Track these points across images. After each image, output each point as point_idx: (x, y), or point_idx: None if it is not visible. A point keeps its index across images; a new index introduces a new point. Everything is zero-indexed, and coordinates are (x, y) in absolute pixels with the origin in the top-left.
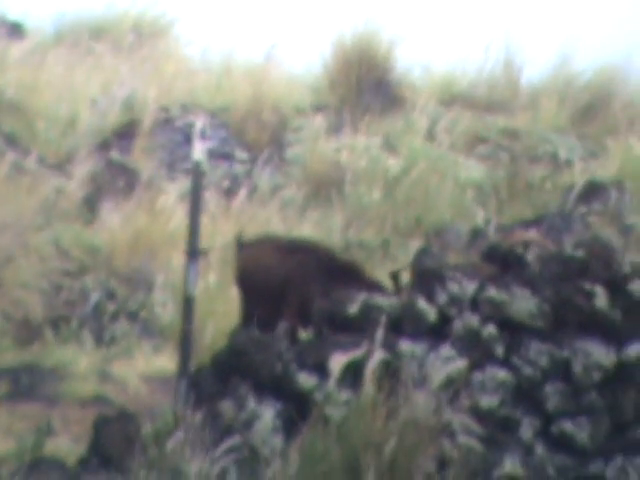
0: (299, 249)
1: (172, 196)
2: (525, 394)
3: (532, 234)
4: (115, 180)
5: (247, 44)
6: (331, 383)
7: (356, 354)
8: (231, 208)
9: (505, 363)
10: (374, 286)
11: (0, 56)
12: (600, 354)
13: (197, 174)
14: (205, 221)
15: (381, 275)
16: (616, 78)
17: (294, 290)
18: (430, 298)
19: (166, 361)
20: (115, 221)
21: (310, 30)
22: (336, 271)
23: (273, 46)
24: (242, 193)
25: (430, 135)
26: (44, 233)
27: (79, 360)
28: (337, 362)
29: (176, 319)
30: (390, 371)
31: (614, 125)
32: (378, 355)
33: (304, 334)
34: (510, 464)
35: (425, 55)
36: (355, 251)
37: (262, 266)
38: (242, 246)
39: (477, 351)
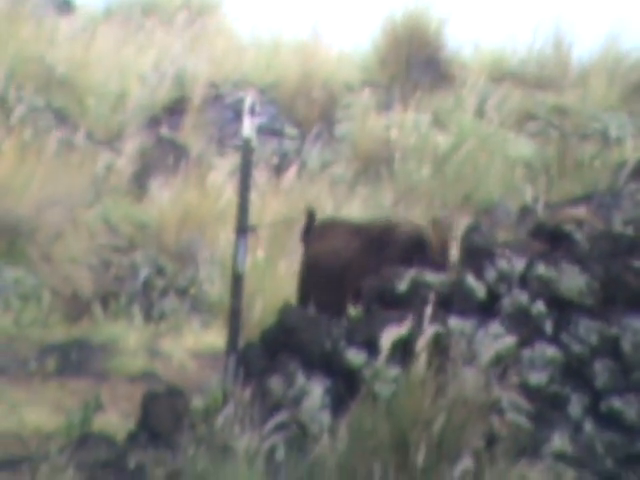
0: (368, 231)
1: (221, 173)
2: (574, 371)
3: (581, 212)
4: (164, 156)
5: (296, 20)
6: (380, 359)
7: (405, 330)
8: (280, 185)
9: (554, 340)
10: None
11: (50, 32)
12: None
13: (246, 151)
14: (254, 198)
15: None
16: None
17: (358, 272)
18: (479, 275)
19: (215, 337)
20: (164, 197)
21: (360, 6)
22: (404, 253)
23: (322, 22)
24: (291, 170)
25: (480, 112)
26: (94, 209)
27: (128, 336)
28: (387, 338)
29: (225, 295)
30: (439, 348)
31: None
32: (429, 331)
33: (353, 311)
34: (559, 441)
35: (475, 33)
36: None
37: (330, 248)
38: (311, 227)
39: (526, 328)
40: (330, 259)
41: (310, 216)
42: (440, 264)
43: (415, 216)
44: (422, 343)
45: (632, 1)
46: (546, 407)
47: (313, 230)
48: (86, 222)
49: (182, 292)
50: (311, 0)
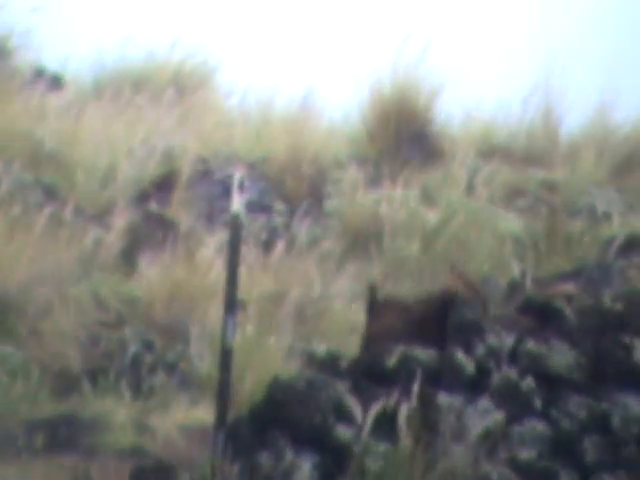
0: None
1: (210, 248)
2: (563, 447)
3: (570, 287)
4: (154, 232)
5: (285, 93)
6: (366, 435)
7: (389, 405)
8: (269, 260)
9: (543, 416)
10: None
11: (39, 107)
12: (639, 407)
13: (235, 226)
14: (243, 273)
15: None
16: None
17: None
18: (468, 350)
19: (204, 413)
20: (153, 273)
21: (349, 77)
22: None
23: (311, 94)
24: (280, 245)
25: (469, 188)
26: (83, 284)
27: (117, 412)
28: (370, 413)
29: (214, 371)
30: (428, 423)
31: None
32: (409, 405)
33: (340, 386)
34: None
35: (464, 106)
36: None
37: (388, 326)
38: (374, 304)
39: (515, 404)
40: (388, 337)
41: (372, 293)
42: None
43: (404, 292)
44: (404, 416)
45: (621, 75)
46: None
47: (375, 307)
48: (75, 297)
49: (171, 367)
50: (300, 71)
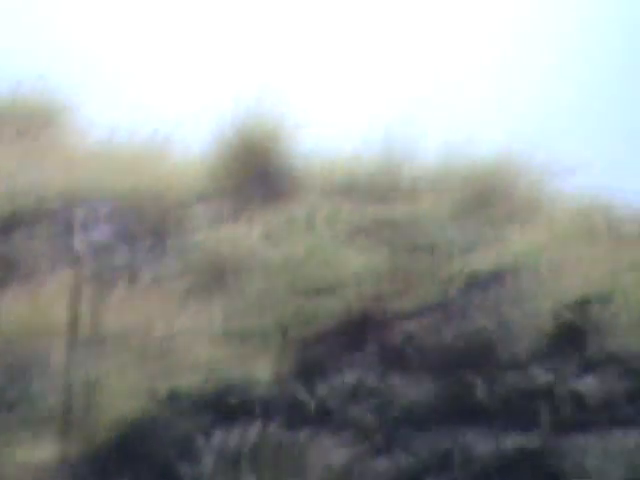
0: None
1: (53, 287)
2: None
3: (412, 325)
4: None
5: (128, 132)
6: (208, 472)
7: (233, 442)
8: (112, 299)
9: (386, 454)
10: None
11: None
12: (480, 445)
13: (77, 265)
14: (86, 312)
15: (261, 365)
16: (497, 171)
17: None
18: (311, 387)
19: (47, 451)
20: None
21: (195, 115)
22: None
23: (154, 134)
24: (123, 284)
25: (311, 226)
26: None
27: None
28: (213, 451)
29: (58, 408)
30: (271, 460)
31: (494, 217)
32: (252, 441)
33: (184, 424)
34: None
35: (306, 145)
36: (237, 341)
37: None
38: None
39: (358, 441)
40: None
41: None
42: None
43: (247, 329)
44: (250, 455)
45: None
46: None
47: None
48: None
49: (12, 405)
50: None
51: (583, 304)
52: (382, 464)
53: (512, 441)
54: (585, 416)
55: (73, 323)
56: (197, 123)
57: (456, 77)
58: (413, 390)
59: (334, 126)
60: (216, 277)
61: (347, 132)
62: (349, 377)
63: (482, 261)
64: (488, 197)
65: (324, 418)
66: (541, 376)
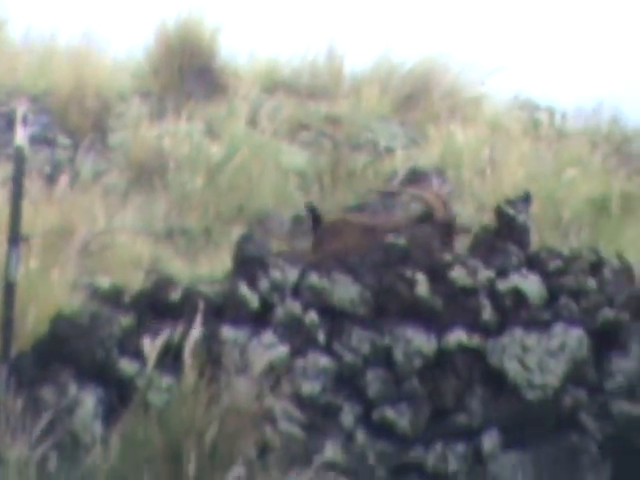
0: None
1: None
2: (347, 381)
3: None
4: None
5: (70, 25)
6: (150, 369)
7: (174, 339)
8: (53, 194)
9: (327, 350)
10: None
11: None
12: (421, 341)
13: (19, 160)
14: (27, 207)
15: (203, 262)
16: (436, 68)
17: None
18: (252, 285)
19: None
20: None
21: (134, 13)
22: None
23: (95, 28)
24: (64, 179)
25: (253, 122)
26: None
27: None
28: (153, 347)
29: None
30: (212, 358)
31: (435, 113)
32: (196, 340)
33: (125, 320)
34: (331, 450)
35: (248, 42)
36: (178, 238)
37: (345, 247)
38: (318, 225)
39: (299, 338)
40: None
41: (314, 215)
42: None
43: (189, 225)
44: (189, 350)
45: (403, 15)
46: (319, 417)
47: (323, 229)
48: None
49: None
50: (85, 4)
51: (525, 200)
52: (323, 360)
53: (454, 337)
54: (526, 312)
55: (14, 219)
56: (138, 21)
57: None
58: (355, 286)
59: (277, 24)
60: (158, 173)
61: (291, 31)
62: (290, 273)
63: (424, 157)
64: (428, 94)
65: (265, 315)
66: (482, 272)
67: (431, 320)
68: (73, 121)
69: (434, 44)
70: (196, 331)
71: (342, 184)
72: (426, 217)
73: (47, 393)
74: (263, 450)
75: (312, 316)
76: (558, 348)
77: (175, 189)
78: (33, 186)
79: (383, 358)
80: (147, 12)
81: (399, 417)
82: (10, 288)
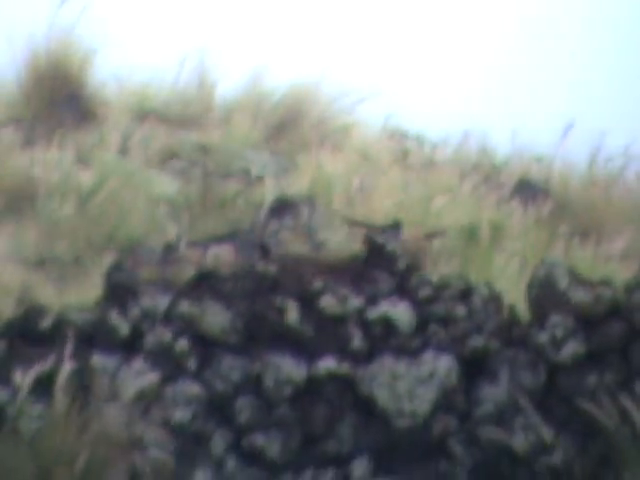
0: None
1: None
2: (217, 408)
3: (225, 249)
4: None
5: None
6: (21, 397)
7: (45, 367)
8: None
9: (197, 377)
10: None
11: None
12: (291, 369)
13: None
14: None
15: (74, 290)
16: (307, 97)
17: None
18: (123, 313)
19: None
20: None
21: (3, 41)
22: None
23: None
24: None
25: (123, 150)
26: None
27: None
28: (25, 375)
29: None
30: (82, 385)
31: (305, 142)
32: (67, 367)
33: None
34: (201, 478)
35: (119, 70)
36: (48, 266)
37: None
38: None
39: (169, 365)
40: None
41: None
42: None
43: (60, 254)
44: (63, 378)
45: (273, 43)
46: (189, 444)
47: None
48: None
49: None
50: None
51: (395, 228)
52: (194, 387)
53: (323, 365)
54: (396, 340)
55: None
56: (8, 47)
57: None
58: (226, 314)
59: (148, 53)
60: (27, 200)
61: (162, 58)
62: (161, 300)
63: (294, 185)
64: (298, 123)
65: (136, 342)
66: (352, 300)
67: (301, 348)
68: None
69: (305, 70)
70: (67, 359)
71: (213, 213)
72: None
73: None
74: (133, 477)
75: (182, 344)
76: (428, 376)
77: (45, 217)
78: None
79: (253, 385)
80: (17, 39)
81: (269, 444)
82: None
